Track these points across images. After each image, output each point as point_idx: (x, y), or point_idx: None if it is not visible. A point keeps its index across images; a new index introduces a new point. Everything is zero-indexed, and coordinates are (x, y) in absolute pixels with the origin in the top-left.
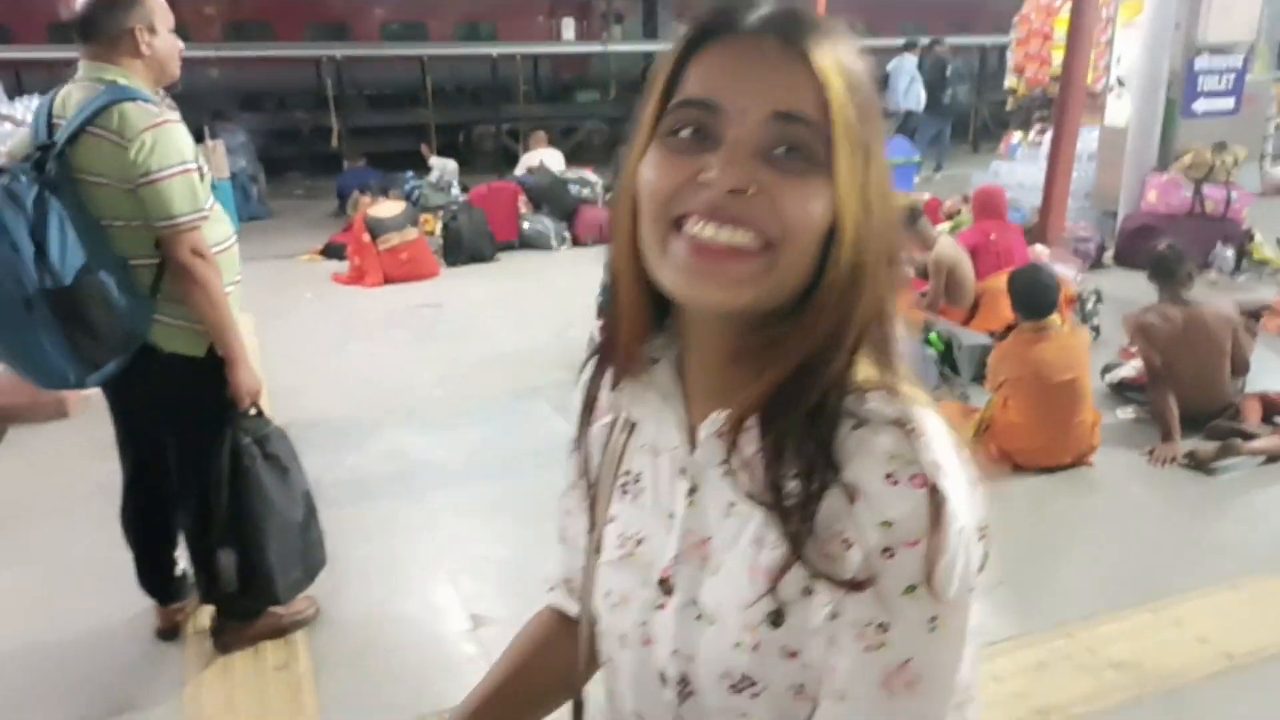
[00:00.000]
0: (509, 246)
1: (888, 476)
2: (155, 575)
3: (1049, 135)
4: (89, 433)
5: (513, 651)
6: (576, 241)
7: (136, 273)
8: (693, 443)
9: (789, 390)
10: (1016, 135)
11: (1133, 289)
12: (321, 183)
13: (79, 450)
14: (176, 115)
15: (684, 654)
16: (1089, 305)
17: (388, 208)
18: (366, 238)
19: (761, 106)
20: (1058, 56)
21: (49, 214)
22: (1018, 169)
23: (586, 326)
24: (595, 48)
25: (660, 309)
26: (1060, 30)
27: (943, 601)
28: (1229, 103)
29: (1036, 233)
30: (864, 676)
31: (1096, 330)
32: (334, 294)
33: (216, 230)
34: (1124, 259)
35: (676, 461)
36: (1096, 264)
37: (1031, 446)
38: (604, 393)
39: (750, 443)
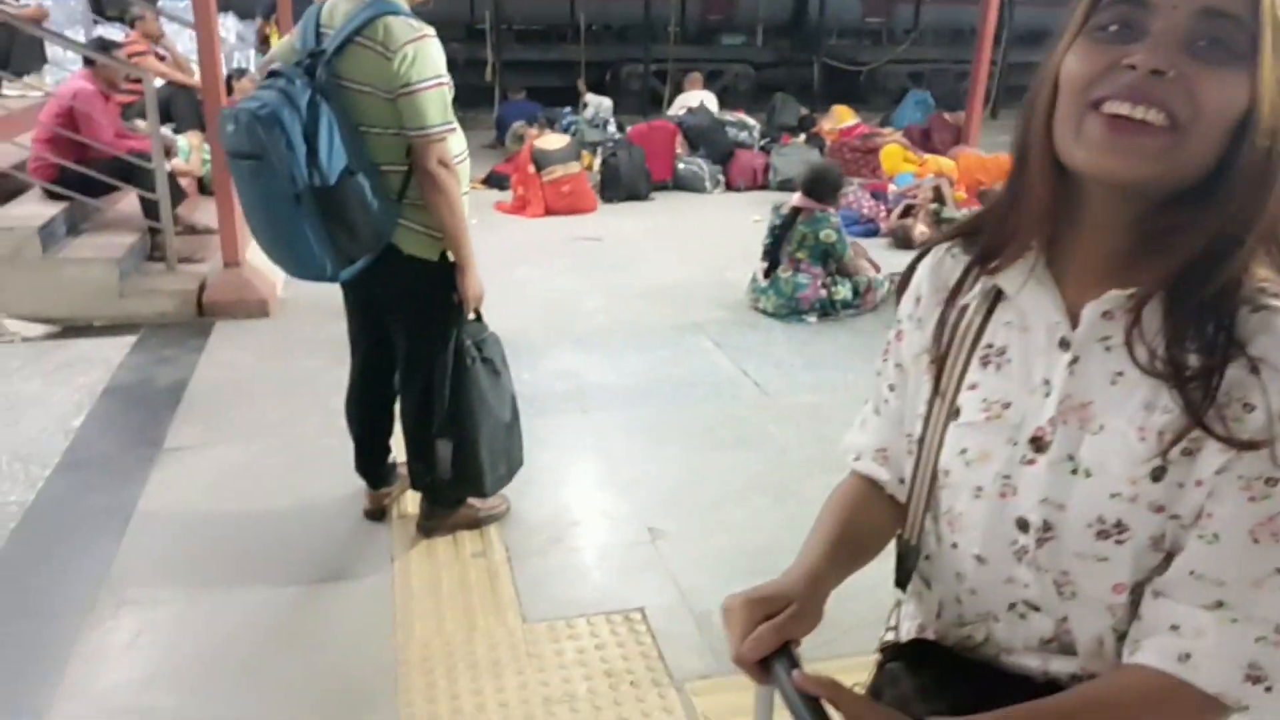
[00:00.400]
0: (662, 187)
1: None
2: (371, 461)
3: None
4: (288, 331)
5: (836, 511)
6: (729, 185)
7: (387, 178)
8: (1073, 320)
9: (1199, 272)
10: None
11: None
12: (474, 114)
13: (281, 345)
14: (432, 31)
15: (1054, 503)
16: None
17: (553, 140)
18: (531, 169)
19: (1192, 2)
20: None
21: (320, 116)
22: None
23: (746, 268)
24: None
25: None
26: None
27: None
28: None
29: None
30: (1239, 523)
31: None
32: (497, 221)
33: (456, 143)
34: None
35: (1054, 335)
36: None
37: None
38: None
39: (1150, 319)
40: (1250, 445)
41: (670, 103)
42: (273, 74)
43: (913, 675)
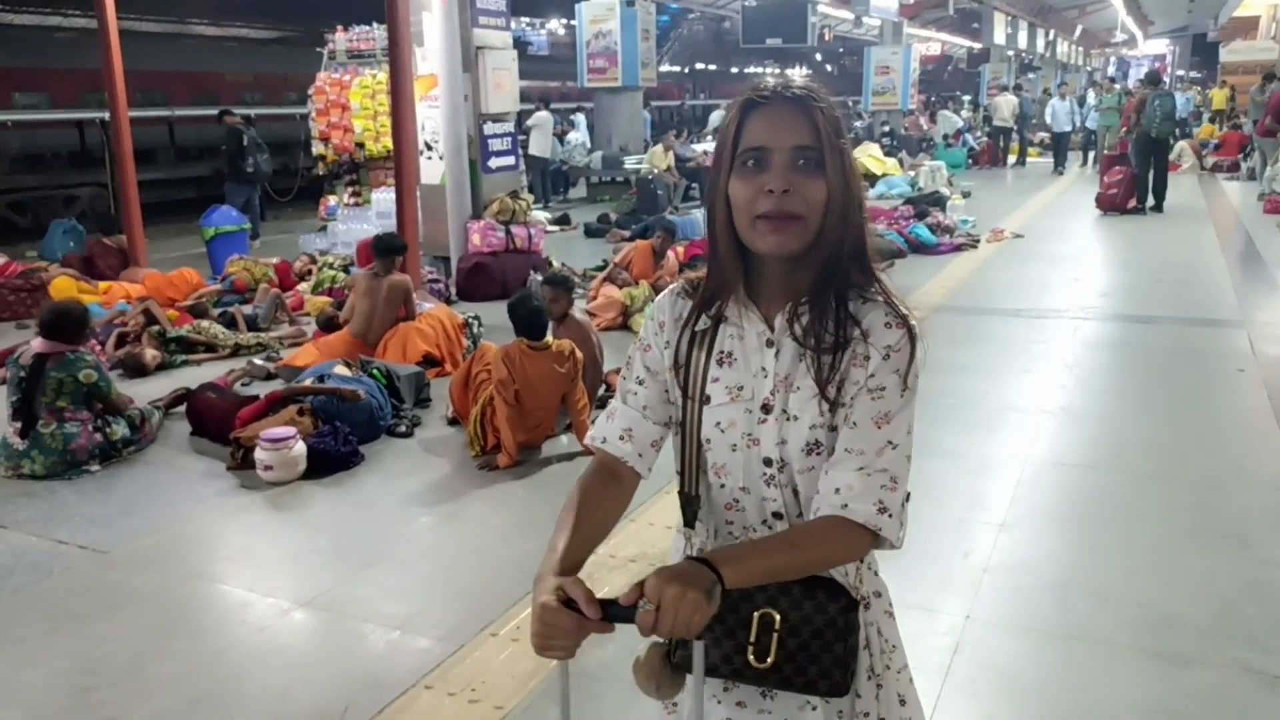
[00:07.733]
0: None
1: (886, 324)
2: None
3: (379, 194)
4: None
5: (582, 508)
6: None
7: None
8: (771, 327)
9: (821, 283)
10: (332, 199)
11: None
12: None
13: None
14: None
15: (781, 441)
16: (475, 329)
17: None
18: None
19: (789, 143)
20: (359, 125)
21: None
22: (354, 228)
23: None
24: None
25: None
26: (356, 100)
27: (908, 386)
28: (511, 159)
29: None
30: (866, 414)
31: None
32: None
33: None
34: (464, 293)
35: (762, 338)
36: (449, 299)
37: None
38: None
39: (805, 316)
40: (870, 377)
41: None
42: None
43: None
